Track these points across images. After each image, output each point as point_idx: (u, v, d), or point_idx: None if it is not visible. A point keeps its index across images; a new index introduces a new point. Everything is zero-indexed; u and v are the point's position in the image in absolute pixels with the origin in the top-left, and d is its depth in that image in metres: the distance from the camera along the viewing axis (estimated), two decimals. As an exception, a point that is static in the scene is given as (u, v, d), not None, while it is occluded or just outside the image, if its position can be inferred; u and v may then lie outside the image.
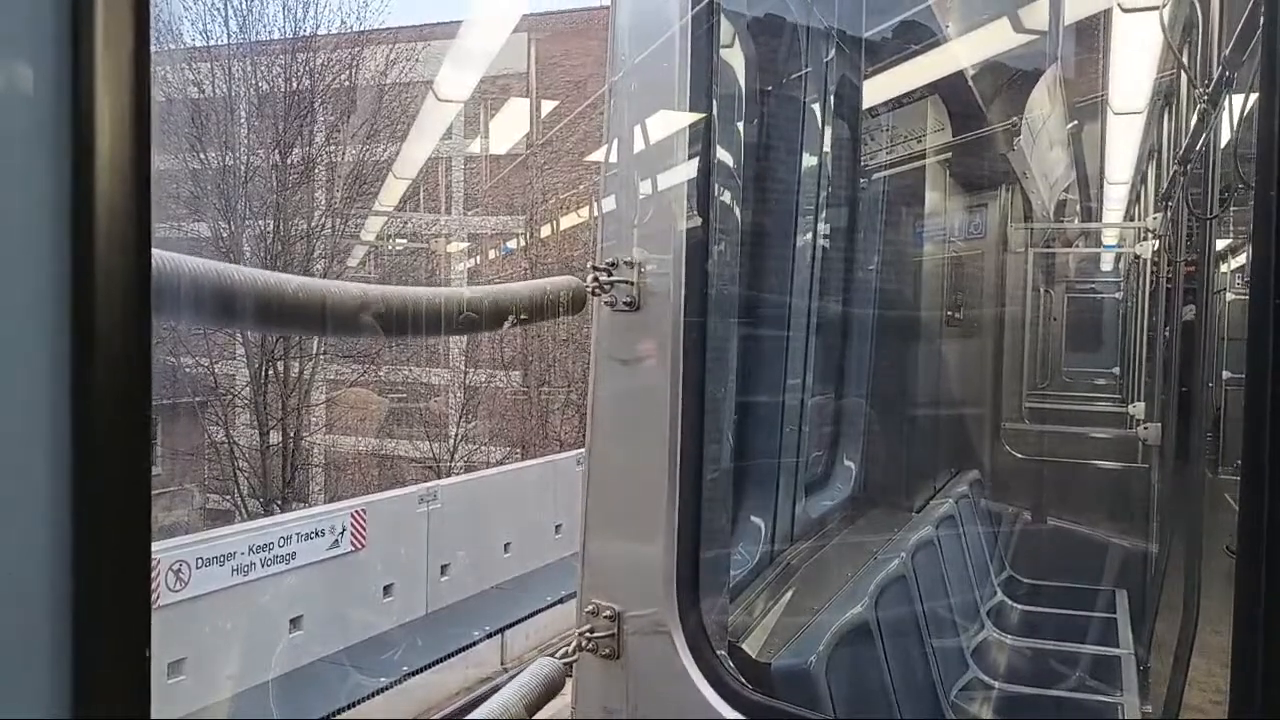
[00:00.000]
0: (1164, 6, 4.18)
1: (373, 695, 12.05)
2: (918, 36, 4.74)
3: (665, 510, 2.33)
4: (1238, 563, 1.43)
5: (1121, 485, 7.05)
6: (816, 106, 3.97)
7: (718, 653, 2.40)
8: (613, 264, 2.28)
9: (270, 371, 22.73)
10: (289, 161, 23.13)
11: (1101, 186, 8.60)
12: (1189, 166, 5.15)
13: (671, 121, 2.35)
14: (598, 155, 2.42)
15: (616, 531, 2.48)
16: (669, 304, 2.29)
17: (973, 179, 6.70)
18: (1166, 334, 6.94)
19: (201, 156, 22.35)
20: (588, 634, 2.35)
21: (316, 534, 13.30)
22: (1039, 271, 8.94)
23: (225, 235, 22.33)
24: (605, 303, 2.31)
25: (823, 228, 4.30)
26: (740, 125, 3.13)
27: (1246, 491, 1.41)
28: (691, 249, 2.32)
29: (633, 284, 2.28)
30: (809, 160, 3.94)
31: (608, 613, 2.36)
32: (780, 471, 3.88)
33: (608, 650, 2.35)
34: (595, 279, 2.27)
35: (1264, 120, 1.43)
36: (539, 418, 25.81)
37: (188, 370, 22.29)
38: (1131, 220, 8.69)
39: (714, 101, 2.40)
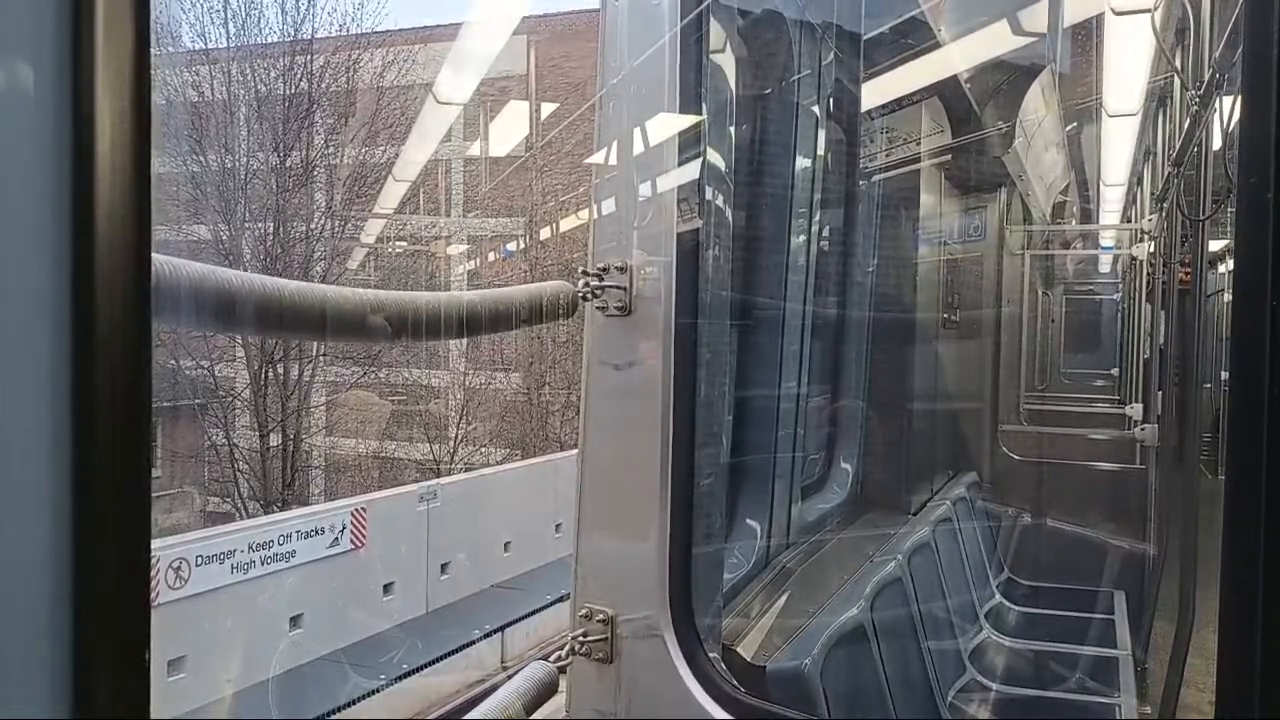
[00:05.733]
0: (1155, 9, 4.18)
1: (372, 694, 12.04)
2: (915, 40, 4.74)
3: (658, 514, 2.33)
4: (1222, 561, 1.43)
5: (1119, 486, 7.05)
6: (811, 109, 3.97)
7: (710, 655, 2.41)
8: (604, 269, 2.29)
9: (270, 374, 22.70)
10: (288, 164, 23.10)
11: (1098, 188, 8.60)
12: (1182, 168, 5.16)
13: (662, 127, 2.36)
14: (594, 159, 2.44)
15: (610, 536, 2.49)
16: (660, 309, 2.30)
17: (970, 181, 6.71)
18: (1163, 335, 6.95)
19: (200, 159, 22.32)
20: (581, 638, 2.36)
21: (316, 532, 13.29)
22: (1037, 273, 8.95)
23: (225, 238, 22.32)
24: (596, 308, 2.32)
25: (820, 230, 4.30)
26: (733, 129, 3.14)
27: (1231, 492, 1.41)
28: (683, 253, 2.33)
29: (624, 289, 2.29)
30: (803, 163, 3.94)
31: (601, 616, 2.36)
32: (776, 474, 3.87)
33: (601, 654, 2.36)
34: (586, 284, 2.28)
35: (1245, 120, 1.43)
36: (539, 419, 25.78)
37: (188, 372, 22.25)
38: (1128, 222, 8.69)
39: (705, 106, 2.41)
